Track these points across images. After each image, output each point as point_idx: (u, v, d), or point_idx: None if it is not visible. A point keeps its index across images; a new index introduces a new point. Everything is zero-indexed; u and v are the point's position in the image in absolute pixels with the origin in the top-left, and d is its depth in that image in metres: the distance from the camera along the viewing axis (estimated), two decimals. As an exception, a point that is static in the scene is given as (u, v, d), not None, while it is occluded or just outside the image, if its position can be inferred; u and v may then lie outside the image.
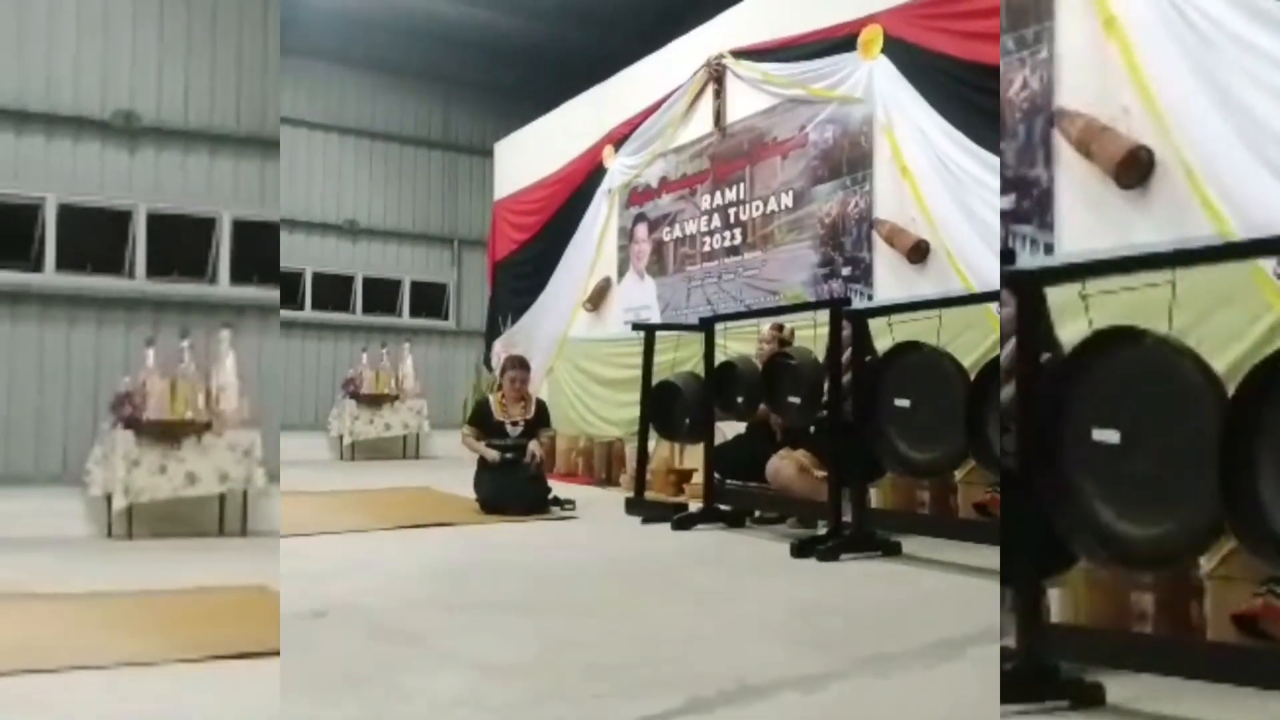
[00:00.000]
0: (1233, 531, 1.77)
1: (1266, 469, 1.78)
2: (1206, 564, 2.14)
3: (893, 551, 3.97)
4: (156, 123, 7.87)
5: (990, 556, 3.67)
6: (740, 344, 5.89)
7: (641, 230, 8.25)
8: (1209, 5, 3.00)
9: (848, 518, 4.05)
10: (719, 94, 7.19)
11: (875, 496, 5.00)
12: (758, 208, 6.94)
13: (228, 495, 5.14)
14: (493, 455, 5.50)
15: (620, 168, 8.39)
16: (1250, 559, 1.83)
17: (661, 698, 2.02)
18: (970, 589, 3.29)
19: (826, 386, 4.29)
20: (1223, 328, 2.47)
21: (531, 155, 9.85)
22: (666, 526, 4.86)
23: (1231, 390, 1.88)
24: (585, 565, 3.98)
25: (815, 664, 2.29)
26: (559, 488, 6.15)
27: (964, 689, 2.12)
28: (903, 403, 3.77)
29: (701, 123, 7.43)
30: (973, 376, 3.60)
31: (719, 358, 5.19)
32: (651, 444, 6.62)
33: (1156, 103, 3.21)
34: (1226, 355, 2.40)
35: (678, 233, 7.81)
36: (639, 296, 8.22)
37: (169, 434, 5.02)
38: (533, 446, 5.49)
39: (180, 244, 7.98)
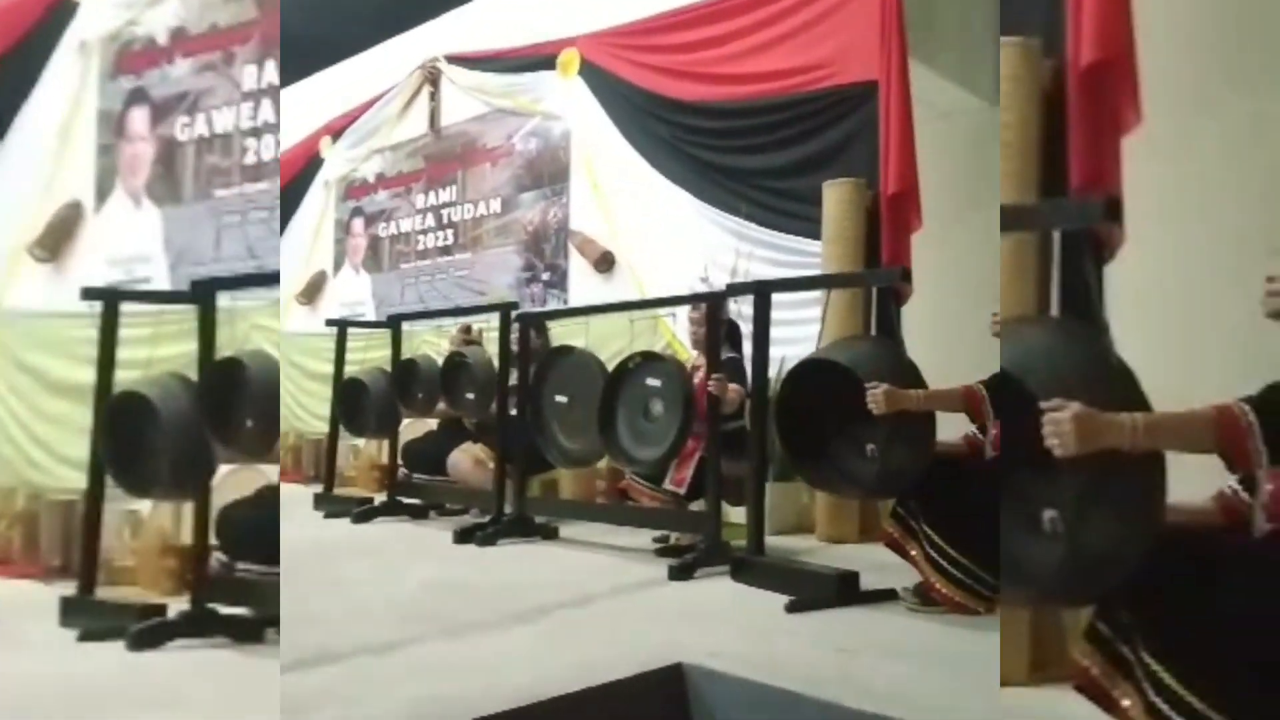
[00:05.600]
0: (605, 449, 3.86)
1: (621, 421, 3.81)
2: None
3: (551, 536, 4.29)
4: None
5: (627, 536, 4.13)
6: (442, 341, 6.08)
7: (358, 225, 8.19)
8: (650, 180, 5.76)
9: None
10: (434, 96, 7.33)
11: (562, 487, 5.39)
12: (469, 210, 7.16)
13: None
14: None
15: (338, 160, 8.27)
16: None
17: (238, 669, 2.17)
18: (593, 566, 3.68)
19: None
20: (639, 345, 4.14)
21: (248, 139, 9.40)
22: (347, 521, 4.93)
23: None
24: (244, 558, 3.97)
25: (407, 633, 2.52)
26: (250, 484, 5.95)
27: (517, 644, 2.44)
28: (561, 399, 4.13)
29: (417, 122, 7.53)
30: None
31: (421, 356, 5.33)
32: (361, 441, 6.63)
33: (618, 229, 5.96)
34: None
35: (393, 229, 7.85)
36: (355, 291, 8.15)
37: None
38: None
39: None
